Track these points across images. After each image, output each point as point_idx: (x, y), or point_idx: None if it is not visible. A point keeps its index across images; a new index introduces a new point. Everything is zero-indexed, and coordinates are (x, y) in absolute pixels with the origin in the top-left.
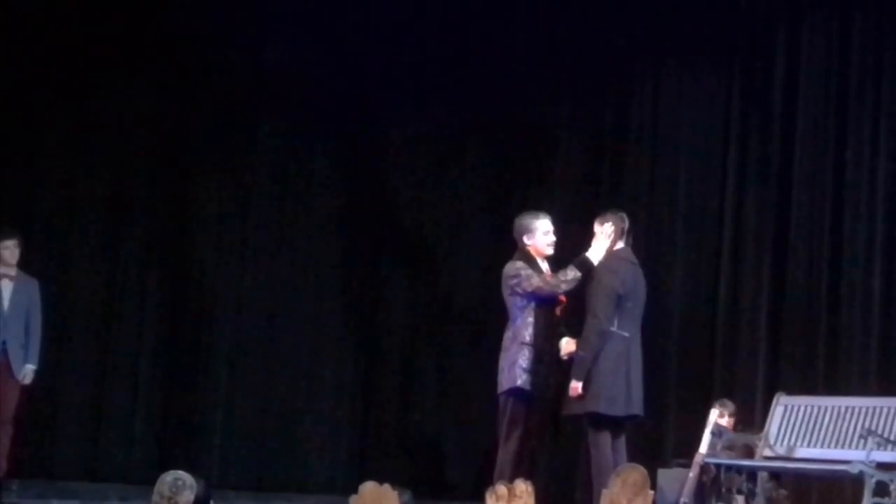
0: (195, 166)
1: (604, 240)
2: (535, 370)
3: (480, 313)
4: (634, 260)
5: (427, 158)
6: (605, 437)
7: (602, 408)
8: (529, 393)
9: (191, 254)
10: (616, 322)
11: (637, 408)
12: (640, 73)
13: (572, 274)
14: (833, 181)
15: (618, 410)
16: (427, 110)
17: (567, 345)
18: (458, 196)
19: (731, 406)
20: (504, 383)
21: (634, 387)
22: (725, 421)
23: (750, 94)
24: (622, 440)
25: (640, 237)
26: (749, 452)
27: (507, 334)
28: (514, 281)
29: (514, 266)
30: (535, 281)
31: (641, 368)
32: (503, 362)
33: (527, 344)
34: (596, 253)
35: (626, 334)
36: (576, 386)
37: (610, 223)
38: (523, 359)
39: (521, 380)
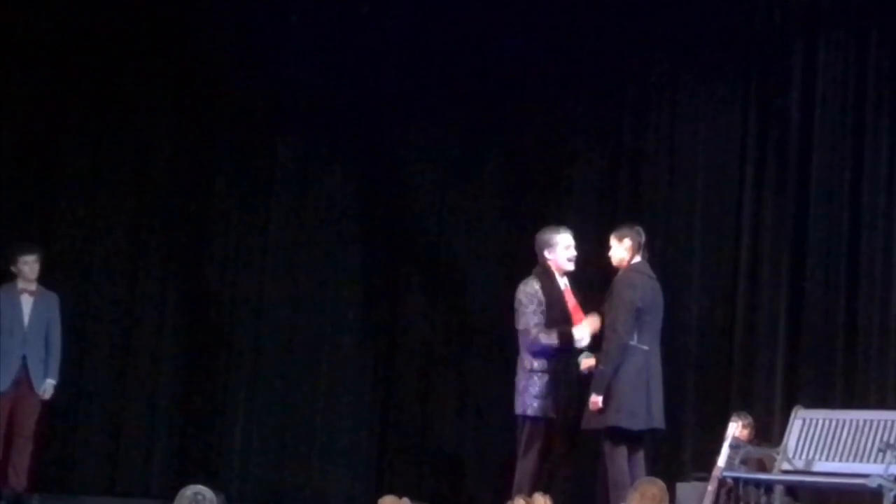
0: (215, 181)
1: (593, 324)
2: (546, 394)
3: (499, 326)
4: (651, 273)
5: (445, 172)
6: (622, 452)
7: (624, 422)
8: (542, 418)
9: (210, 269)
10: (636, 336)
11: (658, 421)
12: (658, 88)
13: (550, 341)
14: (850, 195)
15: (639, 424)
16: (445, 123)
17: (586, 360)
18: (477, 209)
19: (747, 417)
20: (517, 407)
21: (655, 400)
22: (739, 431)
23: (767, 109)
24: (641, 454)
25: (657, 251)
26: (762, 466)
27: (519, 356)
28: (516, 309)
29: (524, 290)
30: (525, 321)
31: (661, 381)
32: (517, 384)
33: (535, 371)
34: (582, 333)
35: (646, 348)
36: (596, 400)
37: (628, 238)
38: (533, 386)
39: (532, 409)
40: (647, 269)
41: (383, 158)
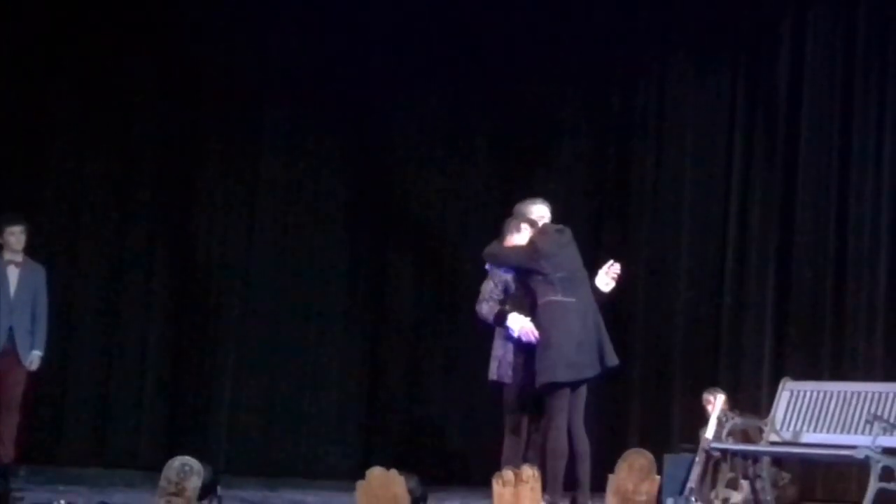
0: (202, 152)
1: (523, 322)
2: (517, 362)
3: None
4: (559, 228)
5: (433, 145)
6: (563, 417)
7: (561, 376)
8: (512, 385)
9: (197, 241)
10: (560, 292)
11: (592, 369)
12: (647, 63)
13: (488, 315)
14: (838, 169)
15: (574, 374)
16: (433, 98)
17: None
18: (465, 183)
19: (718, 390)
20: (491, 373)
21: (587, 347)
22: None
23: (755, 83)
24: (580, 402)
25: (645, 225)
26: (746, 437)
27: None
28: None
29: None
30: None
31: (597, 328)
32: (493, 352)
33: (508, 337)
34: (513, 324)
35: (573, 299)
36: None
37: (544, 218)
38: (508, 353)
39: (507, 377)
40: (553, 228)
41: (371, 133)
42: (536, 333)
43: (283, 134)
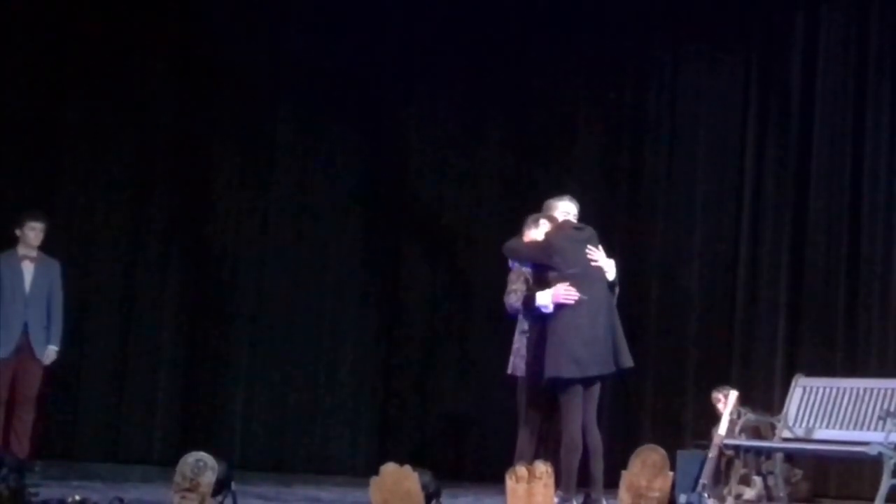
0: (217, 146)
1: (556, 290)
2: (530, 356)
3: (500, 294)
4: (579, 226)
5: (447, 140)
6: (577, 413)
7: (564, 371)
8: (529, 379)
9: (212, 237)
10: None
11: (601, 367)
12: (659, 55)
13: (517, 304)
14: (852, 162)
15: (584, 371)
16: (447, 93)
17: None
18: (478, 177)
19: (727, 388)
20: (509, 367)
21: (599, 345)
22: (724, 402)
23: (768, 76)
24: (593, 399)
25: (658, 219)
26: (759, 434)
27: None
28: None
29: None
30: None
31: (611, 326)
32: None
33: (524, 332)
34: (545, 300)
35: (585, 296)
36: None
37: (544, 219)
38: (523, 346)
39: (520, 370)
40: (571, 226)
41: (385, 126)
42: (573, 292)
43: (298, 130)
